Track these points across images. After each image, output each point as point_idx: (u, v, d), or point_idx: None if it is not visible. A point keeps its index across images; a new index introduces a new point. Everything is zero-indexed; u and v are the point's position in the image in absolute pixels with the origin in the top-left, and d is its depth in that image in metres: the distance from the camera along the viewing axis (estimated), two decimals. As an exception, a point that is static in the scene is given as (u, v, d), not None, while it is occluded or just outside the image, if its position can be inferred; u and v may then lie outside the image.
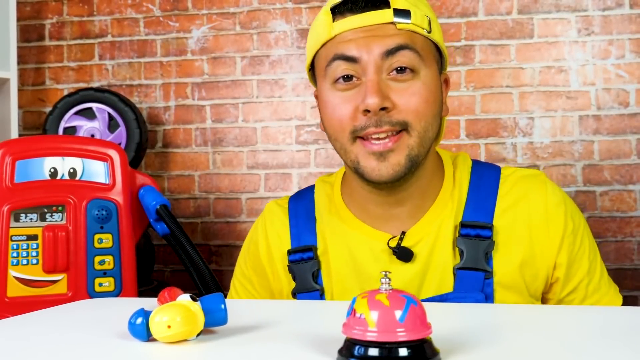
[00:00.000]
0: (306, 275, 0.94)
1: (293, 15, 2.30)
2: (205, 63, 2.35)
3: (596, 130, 2.11)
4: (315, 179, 2.22)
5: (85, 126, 2.10)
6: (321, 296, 0.93)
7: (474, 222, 0.89)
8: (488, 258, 0.88)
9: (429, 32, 0.87)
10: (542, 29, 2.15)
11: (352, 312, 0.51)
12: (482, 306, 0.81)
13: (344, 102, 0.86)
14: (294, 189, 2.27)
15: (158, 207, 1.62)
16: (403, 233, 0.91)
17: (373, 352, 0.50)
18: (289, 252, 0.96)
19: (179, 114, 2.36)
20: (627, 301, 1.01)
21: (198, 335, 0.60)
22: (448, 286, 0.88)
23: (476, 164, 0.97)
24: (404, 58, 0.84)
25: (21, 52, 2.43)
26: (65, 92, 2.42)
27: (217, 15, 2.35)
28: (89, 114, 2.10)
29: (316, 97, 0.96)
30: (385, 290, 0.52)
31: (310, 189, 1.03)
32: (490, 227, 0.89)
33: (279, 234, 0.99)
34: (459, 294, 0.87)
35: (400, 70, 0.85)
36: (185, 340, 0.59)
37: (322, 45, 0.89)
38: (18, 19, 2.37)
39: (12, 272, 1.51)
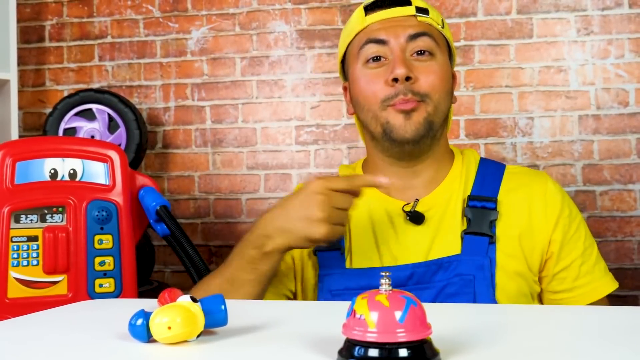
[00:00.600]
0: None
1: (292, 15, 2.30)
2: (205, 64, 2.35)
3: (596, 129, 2.12)
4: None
5: (85, 127, 2.10)
6: (341, 255, 1.04)
7: (481, 196, 1.02)
8: (492, 226, 0.99)
9: (442, 27, 1.06)
10: (542, 29, 2.15)
11: (352, 312, 0.52)
12: (482, 306, 0.81)
13: (375, 77, 1.02)
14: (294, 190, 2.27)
15: (158, 208, 1.62)
16: (417, 200, 1.04)
17: (373, 352, 0.50)
18: None
19: (179, 115, 2.37)
20: (628, 301, 1.01)
21: (198, 336, 0.60)
22: (456, 249, 0.99)
23: (483, 158, 1.10)
24: (424, 43, 1.02)
25: (21, 54, 2.43)
26: (65, 93, 2.42)
27: (216, 16, 2.35)
28: (89, 115, 2.11)
29: (344, 89, 1.13)
30: (385, 290, 0.52)
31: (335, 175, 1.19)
32: (494, 200, 1.01)
33: None
34: (466, 256, 0.98)
35: (421, 52, 1.02)
36: (186, 341, 0.59)
37: (356, 35, 1.07)
38: (18, 21, 2.37)
39: (13, 273, 1.51)
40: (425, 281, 0.98)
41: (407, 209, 1.03)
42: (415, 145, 1.02)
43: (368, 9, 1.07)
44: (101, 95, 2.11)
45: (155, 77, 2.38)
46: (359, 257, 1.03)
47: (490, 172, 1.07)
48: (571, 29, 2.14)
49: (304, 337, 0.61)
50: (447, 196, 1.04)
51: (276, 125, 2.30)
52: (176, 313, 0.58)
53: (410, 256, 1.00)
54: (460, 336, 0.60)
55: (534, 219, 1.02)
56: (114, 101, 2.11)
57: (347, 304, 0.54)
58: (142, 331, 0.59)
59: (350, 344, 0.51)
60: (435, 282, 0.97)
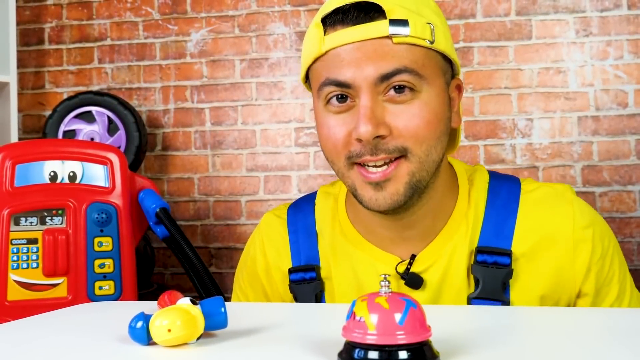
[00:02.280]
0: (309, 297, 0.89)
1: (291, 17, 2.30)
2: (204, 66, 2.35)
3: (595, 131, 2.12)
4: (315, 181, 2.24)
5: (85, 129, 2.10)
6: None
7: (492, 248, 0.83)
8: (506, 288, 0.82)
9: (432, 42, 0.78)
10: (541, 30, 2.16)
11: (351, 315, 0.52)
12: (482, 308, 0.81)
13: (338, 124, 0.79)
14: (294, 191, 2.27)
15: (157, 210, 1.62)
16: (413, 257, 0.85)
17: (373, 355, 0.50)
18: (290, 271, 0.91)
19: (178, 117, 2.37)
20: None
21: (198, 338, 0.60)
22: None
23: (494, 178, 0.89)
24: (401, 81, 0.77)
25: (21, 56, 2.43)
26: (65, 96, 2.42)
27: (215, 19, 2.35)
28: (88, 118, 2.11)
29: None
30: (385, 293, 0.52)
31: (311, 201, 0.96)
32: (509, 254, 0.82)
33: (278, 249, 0.94)
34: None
35: (399, 88, 0.77)
36: (186, 343, 0.59)
37: (314, 61, 0.82)
38: (18, 23, 2.37)
39: (13, 276, 1.51)
40: None
41: (401, 269, 0.84)
42: (396, 211, 0.81)
43: (327, 23, 0.79)
44: (101, 98, 2.12)
45: (154, 79, 2.38)
46: None
47: (503, 206, 0.85)
48: (570, 30, 2.14)
49: (304, 339, 0.61)
50: (449, 248, 0.84)
51: (275, 127, 2.30)
52: (176, 315, 0.58)
53: None
54: (460, 338, 0.60)
55: (560, 272, 0.83)
56: (113, 103, 2.11)
57: (347, 306, 0.54)
58: (142, 334, 0.59)
59: (350, 346, 0.51)
60: None
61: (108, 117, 2.11)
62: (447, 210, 0.86)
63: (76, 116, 2.11)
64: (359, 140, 0.77)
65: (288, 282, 0.91)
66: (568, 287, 0.84)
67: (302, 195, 1.04)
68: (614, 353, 0.55)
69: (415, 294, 0.84)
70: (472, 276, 0.82)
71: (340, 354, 0.52)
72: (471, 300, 0.82)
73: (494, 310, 0.79)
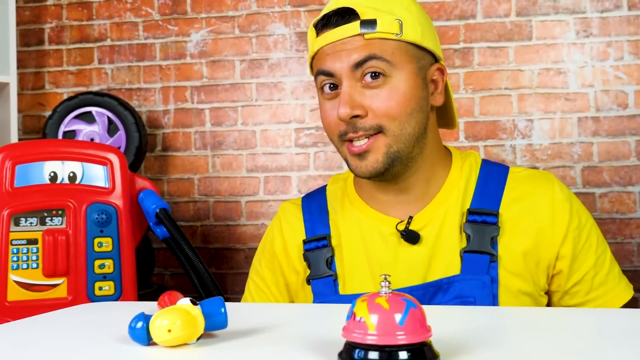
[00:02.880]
0: (320, 262, 1.00)
1: (292, 18, 2.30)
2: (204, 66, 2.35)
3: (595, 131, 2.12)
4: (315, 181, 2.24)
5: (85, 130, 2.10)
6: (334, 281, 0.99)
7: (481, 210, 0.96)
8: (493, 243, 0.94)
9: (400, 35, 0.94)
10: (541, 31, 2.16)
11: (352, 315, 0.52)
12: (482, 309, 0.81)
13: (330, 109, 0.97)
14: (294, 192, 2.27)
15: (158, 210, 1.62)
16: (410, 217, 0.98)
17: (373, 355, 0.50)
18: (304, 242, 1.03)
19: (178, 118, 2.37)
20: (628, 303, 1.00)
21: (198, 339, 0.60)
22: (455, 269, 0.94)
23: (486, 161, 1.04)
24: (372, 67, 0.93)
25: (21, 57, 2.43)
26: (65, 96, 2.42)
27: (215, 19, 2.35)
28: (88, 118, 2.11)
29: None
30: (385, 293, 0.52)
31: (322, 188, 1.11)
32: (496, 214, 0.95)
33: (294, 227, 1.06)
34: (466, 276, 0.92)
35: (374, 75, 0.93)
36: (186, 344, 0.59)
37: (313, 58, 1.00)
38: (17, 24, 2.37)
39: (12, 276, 1.51)
40: (423, 305, 0.87)
41: (401, 227, 0.97)
42: (383, 177, 0.96)
43: (318, 28, 0.97)
44: (101, 98, 2.12)
45: (154, 79, 2.39)
46: (353, 282, 0.98)
47: (492, 180, 0.99)
48: (570, 31, 2.14)
49: (304, 339, 0.61)
50: (443, 210, 0.98)
51: (275, 128, 2.30)
52: (176, 316, 0.58)
53: (406, 279, 0.95)
54: (459, 339, 0.60)
55: (540, 233, 0.95)
56: (113, 104, 2.11)
57: (347, 306, 0.54)
58: (142, 334, 0.59)
59: (350, 347, 0.51)
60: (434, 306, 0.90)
61: (108, 117, 2.11)
62: (440, 178, 1.01)
63: (76, 117, 2.11)
64: (342, 120, 0.93)
65: (303, 252, 1.03)
66: (548, 248, 0.96)
67: (302, 195, 1.14)
68: (612, 353, 0.55)
69: (413, 249, 0.97)
70: (464, 234, 0.95)
71: (340, 354, 0.52)
72: (463, 253, 0.93)
73: (493, 311, 0.79)
